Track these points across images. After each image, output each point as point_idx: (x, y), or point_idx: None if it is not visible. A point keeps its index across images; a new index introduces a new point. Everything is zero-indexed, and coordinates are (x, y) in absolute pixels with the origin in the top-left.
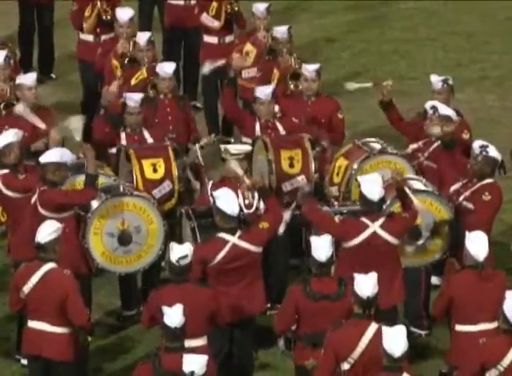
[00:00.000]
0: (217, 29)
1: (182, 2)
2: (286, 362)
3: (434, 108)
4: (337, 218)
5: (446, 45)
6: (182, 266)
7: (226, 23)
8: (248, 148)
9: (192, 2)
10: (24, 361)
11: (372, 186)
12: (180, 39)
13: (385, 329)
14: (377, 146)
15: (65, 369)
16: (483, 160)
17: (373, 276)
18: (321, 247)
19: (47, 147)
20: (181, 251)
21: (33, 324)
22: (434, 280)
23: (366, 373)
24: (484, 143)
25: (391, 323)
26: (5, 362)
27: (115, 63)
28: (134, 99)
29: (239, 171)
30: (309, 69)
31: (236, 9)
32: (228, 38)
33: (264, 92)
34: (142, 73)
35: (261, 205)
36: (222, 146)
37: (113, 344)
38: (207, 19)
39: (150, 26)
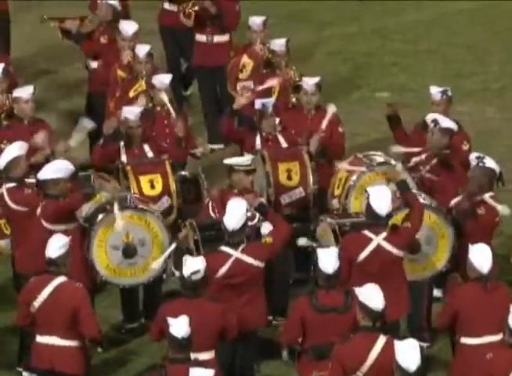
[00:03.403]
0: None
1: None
2: (290, 374)
3: (434, 121)
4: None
5: (446, 56)
6: (194, 281)
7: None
8: (250, 158)
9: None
10: (26, 374)
11: (381, 200)
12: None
13: (398, 343)
14: (379, 159)
15: None
16: (480, 172)
17: (377, 288)
18: (328, 259)
19: (47, 160)
20: (194, 266)
21: (42, 339)
22: (436, 292)
23: None
24: (481, 155)
25: (394, 335)
26: (7, 375)
27: (121, 73)
28: (134, 112)
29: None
30: (309, 82)
31: (196, 8)
32: (217, 38)
33: (266, 105)
34: (141, 85)
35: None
36: (225, 161)
37: (115, 357)
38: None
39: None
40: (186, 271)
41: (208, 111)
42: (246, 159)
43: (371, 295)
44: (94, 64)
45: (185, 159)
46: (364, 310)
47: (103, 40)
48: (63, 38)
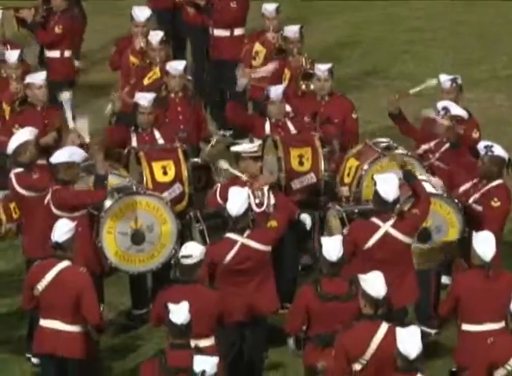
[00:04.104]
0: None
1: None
2: (297, 361)
3: (445, 109)
4: (345, 230)
5: (456, 45)
6: (184, 265)
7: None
8: (257, 144)
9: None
10: (35, 360)
11: (388, 186)
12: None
13: (399, 330)
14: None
15: (78, 367)
16: (489, 161)
17: (379, 275)
18: (332, 247)
19: (56, 142)
20: (188, 250)
21: (45, 323)
22: (445, 279)
23: (378, 373)
24: (489, 143)
25: (400, 322)
26: (16, 361)
27: (133, 60)
28: (146, 98)
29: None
30: (322, 68)
31: None
32: (216, 31)
33: (275, 91)
34: (155, 73)
35: (272, 203)
36: (232, 149)
37: (123, 343)
38: None
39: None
40: (180, 254)
41: (209, 101)
42: (252, 145)
43: (372, 283)
44: (49, 53)
45: (196, 139)
46: (365, 298)
47: (58, 29)
48: (19, 27)
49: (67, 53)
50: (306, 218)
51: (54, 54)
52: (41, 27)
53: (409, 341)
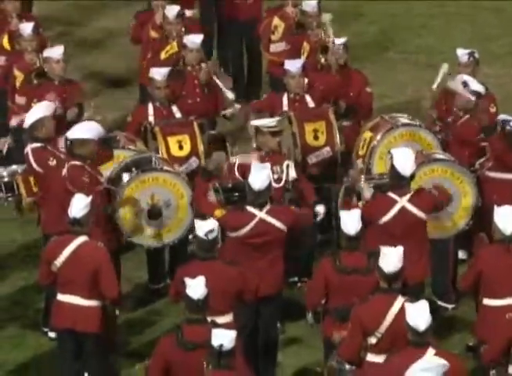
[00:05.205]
0: None
1: None
2: (314, 335)
3: (464, 83)
4: (360, 204)
5: (475, 19)
6: (211, 240)
7: None
8: (276, 119)
9: None
10: (52, 334)
11: (405, 161)
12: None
13: (408, 304)
14: (404, 121)
15: (96, 341)
16: (508, 135)
17: (398, 250)
18: (350, 221)
19: (77, 117)
20: (208, 225)
21: (64, 298)
22: (460, 254)
23: (393, 346)
24: (508, 118)
25: (417, 297)
26: (33, 335)
27: (153, 34)
28: (161, 73)
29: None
30: (336, 42)
31: None
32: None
33: (294, 65)
34: (173, 47)
35: (291, 177)
36: (252, 123)
37: (140, 317)
38: None
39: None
40: (201, 231)
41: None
42: (272, 120)
43: (387, 257)
44: None
45: (213, 112)
46: (378, 271)
47: None
48: None
49: None
50: (320, 210)
51: None
52: None
53: (418, 314)
